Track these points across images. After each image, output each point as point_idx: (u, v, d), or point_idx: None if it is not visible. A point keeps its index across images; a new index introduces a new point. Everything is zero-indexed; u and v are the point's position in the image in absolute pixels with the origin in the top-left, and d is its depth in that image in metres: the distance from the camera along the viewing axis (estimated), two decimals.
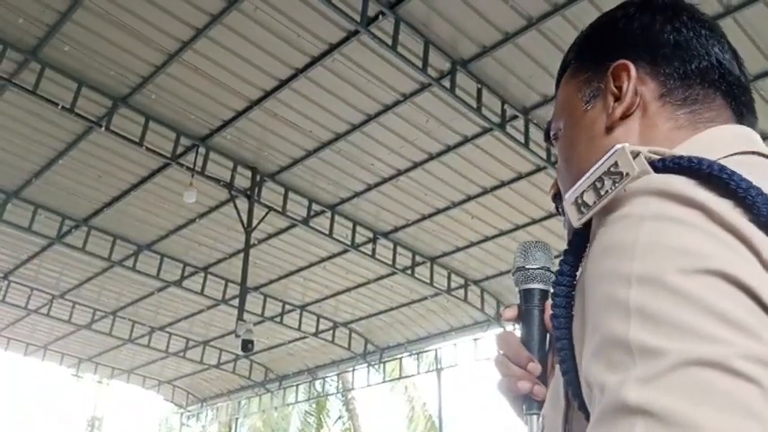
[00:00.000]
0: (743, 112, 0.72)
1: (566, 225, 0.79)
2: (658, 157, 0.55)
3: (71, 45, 6.60)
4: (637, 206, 0.51)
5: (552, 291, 0.60)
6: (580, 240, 0.59)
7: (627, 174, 0.53)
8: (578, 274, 0.58)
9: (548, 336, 0.83)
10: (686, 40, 0.72)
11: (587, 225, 0.56)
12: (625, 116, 0.69)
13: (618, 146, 0.54)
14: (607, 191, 0.53)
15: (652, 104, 0.69)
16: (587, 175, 0.55)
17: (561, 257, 0.61)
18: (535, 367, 0.79)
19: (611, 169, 0.53)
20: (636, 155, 0.53)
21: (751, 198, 0.49)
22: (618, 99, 0.70)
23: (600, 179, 0.54)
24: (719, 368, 0.41)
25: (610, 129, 0.70)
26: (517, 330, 0.85)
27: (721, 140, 0.64)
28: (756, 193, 0.49)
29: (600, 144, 0.70)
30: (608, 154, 0.54)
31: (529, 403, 0.79)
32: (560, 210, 0.82)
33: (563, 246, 0.79)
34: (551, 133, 0.82)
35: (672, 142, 0.65)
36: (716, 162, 0.51)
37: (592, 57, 0.75)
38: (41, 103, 7.00)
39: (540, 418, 0.74)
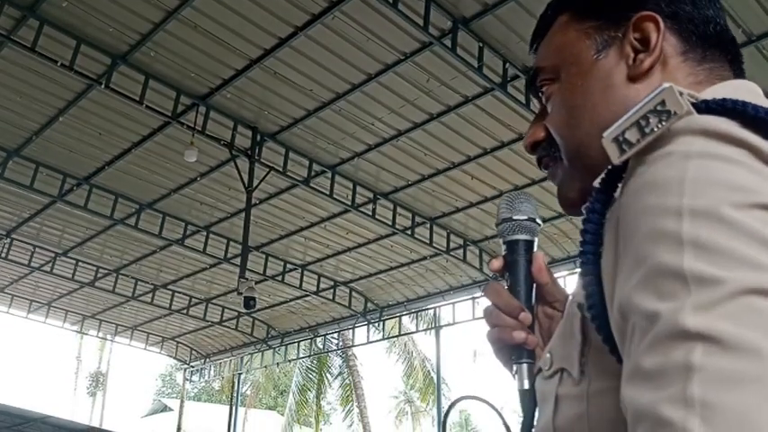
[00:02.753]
0: (741, 74, 0.74)
1: (555, 179, 0.80)
2: (701, 98, 0.55)
3: (69, 1, 6.52)
4: (681, 144, 0.52)
5: (582, 228, 0.61)
6: (613, 178, 0.59)
7: (675, 112, 0.53)
8: (608, 212, 0.59)
9: (534, 285, 0.83)
10: (702, 1, 0.73)
11: (621, 163, 0.57)
12: (650, 68, 0.70)
13: (666, 84, 0.54)
14: (653, 128, 0.53)
15: (673, 59, 0.71)
16: (631, 113, 0.55)
17: (592, 194, 0.61)
18: (527, 317, 0.80)
19: (658, 108, 0.54)
20: (680, 95, 0.54)
21: None
22: (640, 51, 0.71)
23: (645, 117, 0.54)
24: None
25: (633, 79, 0.71)
26: (504, 282, 0.85)
27: (742, 92, 0.65)
28: None
29: (620, 93, 0.71)
30: (654, 92, 0.54)
31: (518, 352, 0.80)
32: (542, 162, 0.82)
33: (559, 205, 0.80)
34: (541, 79, 0.80)
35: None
36: (761, 106, 0.53)
37: (606, 4, 0.75)
38: (41, 61, 6.97)
39: (547, 356, 0.73)
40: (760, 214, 0.47)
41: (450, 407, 0.90)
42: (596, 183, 0.61)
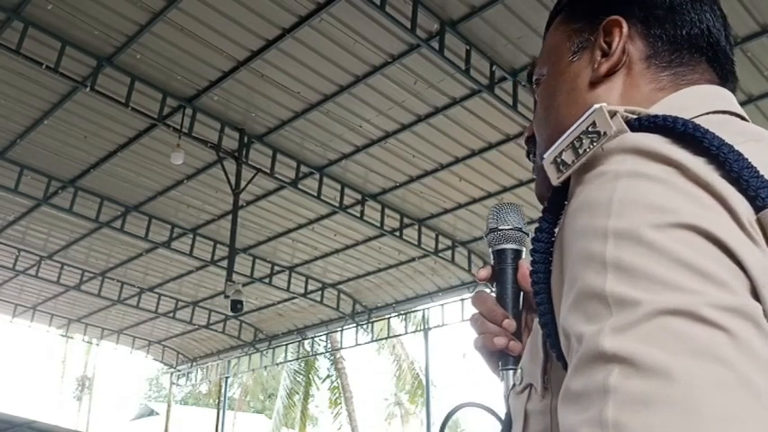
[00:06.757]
0: (727, 77, 0.72)
1: (535, 172, 0.81)
2: (635, 116, 0.55)
3: (54, 3, 6.46)
4: (612, 164, 0.52)
5: (532, 247, 0.61)
6: (559, 198, 0.59)
7: (605, 133, 0.53)
8: (557, 230, 0.59)
9: (521, 294, 0.84)
10: (681, 3, 0.71)
11: (565, 183, 0.57)
12: (610, 73, 0.69)
13: (596, 105, 0.54)
14: (585, 150, 0.54)
15: (637, 64, 0.69)
16: (566, 135, 0.55)
17: (541, 215, 0.61)
18: (510, 323, 0.80)
19: (590, 129, 0.54)
20: (613, 114, 0.54)
21: (723, 155, 0.49)
22: (606, 55, 0.70)
23: (578, 138, 0.54)
24: (690, 317, 0.43)
25: (593, 84, 0.70)
26: (492, 291, 0.86)
27: (695, 100, 0.65)
28: (728, 150, 0.50)
29: (581, 98, 0.71)
30: (586, 114, 0.54)
31: (504, 359, 0.81)
32: (530, 154, 0.83)
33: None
34: (534, 77, 0.80)
35: (652, 103, 0.66)
36: (690, 121, 0.52)
37: (585, 7, 0.74)
38: (25, 63, 6.90)
39: (518, 371, 0.74)
40: (678, 234, 0.46)
41: (449, 415, 0.89)
42: (544, 204, 0.62)
